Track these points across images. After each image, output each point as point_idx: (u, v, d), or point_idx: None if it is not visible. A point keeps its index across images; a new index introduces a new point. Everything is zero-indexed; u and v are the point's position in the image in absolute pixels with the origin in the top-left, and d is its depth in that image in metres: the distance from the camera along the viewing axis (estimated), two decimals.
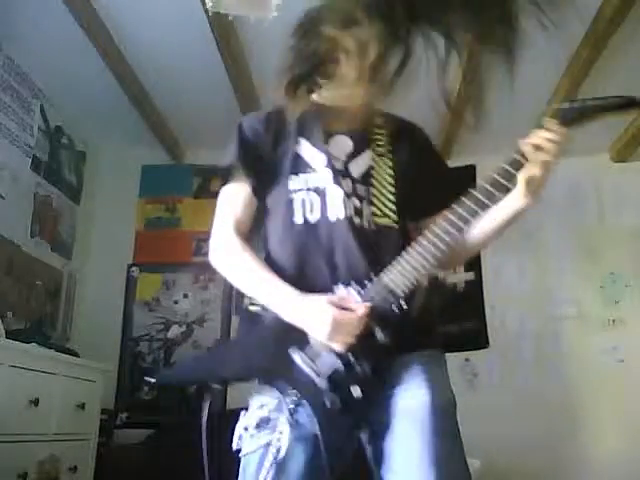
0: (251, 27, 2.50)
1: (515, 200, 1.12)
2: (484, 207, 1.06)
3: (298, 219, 1.15)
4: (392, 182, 1.18)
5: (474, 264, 3.37)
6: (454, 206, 1.07)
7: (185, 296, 3.43)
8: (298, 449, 1.03)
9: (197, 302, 3.42)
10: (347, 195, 1.14)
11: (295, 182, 1.17)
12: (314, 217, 1.14)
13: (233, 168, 1.22)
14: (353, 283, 1.08)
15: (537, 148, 1.04)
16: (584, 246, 3.40)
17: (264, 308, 1.14)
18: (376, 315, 1.04)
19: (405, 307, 1.04)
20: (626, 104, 1.08)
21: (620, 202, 3.47)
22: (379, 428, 1.06)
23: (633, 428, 3.07)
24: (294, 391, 1.04)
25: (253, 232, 1.24)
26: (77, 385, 2.45)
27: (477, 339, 3.32)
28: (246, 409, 1.13)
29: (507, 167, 1.06)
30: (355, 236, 1.11)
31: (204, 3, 2.31)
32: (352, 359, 1.02)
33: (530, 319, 3.34)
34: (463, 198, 1.07)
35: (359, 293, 1.07)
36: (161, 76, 2.90)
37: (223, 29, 2.47)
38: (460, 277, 3.40)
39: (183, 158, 3.68)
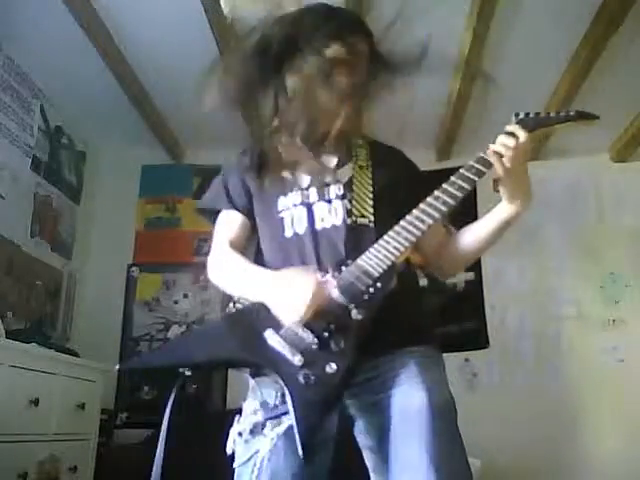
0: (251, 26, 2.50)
1: (502, 207, 1.19)
2: (453, 198, 1.11)
3: (288, 233, 1.21)
4: (371, 189, 1.24)
5: (474, 264, 3.36)
6: (427, 198, 1.13)
7: (185, 296, 3.43)
8: (287, 456, 1.03)
9: (197, 302, 3.42)
10: (334, 200, 1.21)
11: (283, 202, 1.24)
12: (302, 229, 1.20)
13: (220, 208, 1.32)
14: (330, 269, 1.12)
15: (498, 155, 1.11)
16: (584, 246, 3.41)
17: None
18: (350, 294, 1.06)
19: (379, 286, 1.06)
20: (577, 116, 1.20)
21: (620, 202, 3.48)
22: (378, 432, 1.07)
23: (633, 428, 3.07)
24: (269, 371, 1.05)
25: (249, 251, 1.30)
26: (77, 385, 2.45)
27: (477, 339, 3.33)
28: (240, 413, 1.13)
29: (473, 163, 1.14)
30: (340, 234, 1.17)
31: (204, 4, 2.32)
32: (327, 335, 1.03)
33: (530, 319, 3.34)
34: (435, 191, 1.13)
35: (333, 276, 1.10)
36: (161, 76, 2.90)
37: (223, 29, 2.47)
38: (460, 277, 3.40)
39: (183, 158, 3.68)
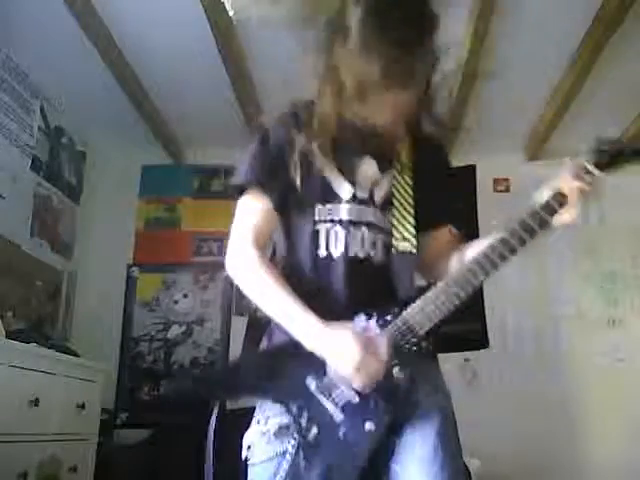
0: (251, 27, 2.50)
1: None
2: (513, 253, 1.04)
3: (322, 252, 1.13)
4: (412, 202, 1.15)
5: None
6: (486, 248, 1.05)
7: (185, 296, 3.42)
8: (315, 461, 1.01)
9: (197, 302, 3.42)
10: (371, 227, 1.14)
11: (321, 212, 1.14)
12: (338, 252, 1.12)
13: (252, 185, 1.17)
14: (374, 315, 1.06)
15: (575, 193, 1.03)
16: (584, 246, 3.40)
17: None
18: (395, 353, 1.02)
19: (424, 345, 1.04)
20: None
21: (620, 202, 3.47)
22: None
23: (633, 428, 3.07)
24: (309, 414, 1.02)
25: (271, 247, 1.21)
26: (77, 385, 2.45)
27: (477, 339, 3.32)
28: (250, 412, 1.10)
29: (540, 211, 1.06)
30: (376, 272, 1.11)
31: (204, 4, 2.31)
32: (368, 393, 1.01)
33: (530, 319, 3.34)
34: (495, 241, 1.04)
35: (380, 326, 1.05)
36: (161, 76, 2.90)
37: (223, 30, 2.47)
38: None
39: (183, 158, 3.68)
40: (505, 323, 3.34)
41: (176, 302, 3.43)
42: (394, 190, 1.16)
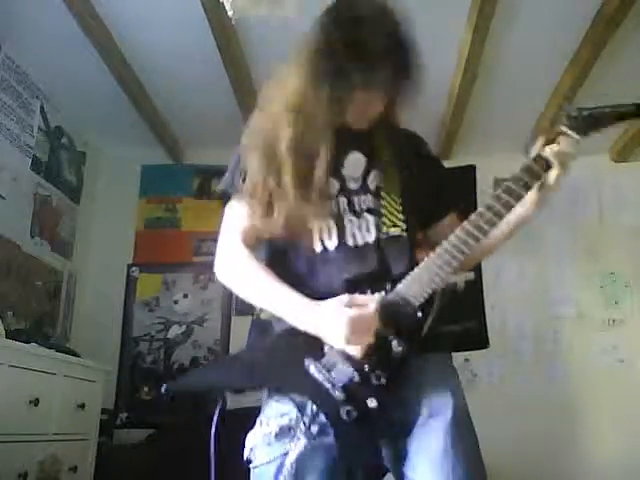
0: (251, 27, 2.50)
1: (525, 209, 1.13)
2: (501, 217, 1.06)
3: (317, 247, 1.14)
4: (399, 193, 1.18)
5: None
6: (471, 215, 1.06)
7: (185, 296, 3.43)
8: (317, 458, 1.01)
9: (197, 302, 3.42)
10: (364, 213, 1.15)
11: None
12: (332, 244, 1.13)
13: (236, 190, 1.20)
14: (368, 291, 1.07)
15: (557, 156, 1.06)
16: (584, 246, 3.41)
17: (276, 316, 1.12)
18: (391, 323, 1.02)
19: (420, 316, 1.03)
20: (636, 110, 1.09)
21: (620, 202, 3.47)
22: (399, 430, 1.04)
23: (633, 428, 3.07)
24: (310, 401, 1.02)
25: (260, 247, 1.21)
26: (77, 385, 2.46)
27: (477, 339, 3.30)
28: (252, 413, 1.10)
29: (523, 176, 1.08)
30: (373, 251, 1.12)
31: (204, 4, 2.32)
32: (367, 369, 1.01)
33: (530, 319, 3.34)
34: (480, 208, 1.06)
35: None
36: (161, 76, 2.90)
37: (223, 30, 2.47)
38: (460, 277, 3.39)
39: (183, 158, 3.68)
40: (505, 323, 3.34)
41: (176, 302, 3.43)
42: (382, 181, 1.18)
